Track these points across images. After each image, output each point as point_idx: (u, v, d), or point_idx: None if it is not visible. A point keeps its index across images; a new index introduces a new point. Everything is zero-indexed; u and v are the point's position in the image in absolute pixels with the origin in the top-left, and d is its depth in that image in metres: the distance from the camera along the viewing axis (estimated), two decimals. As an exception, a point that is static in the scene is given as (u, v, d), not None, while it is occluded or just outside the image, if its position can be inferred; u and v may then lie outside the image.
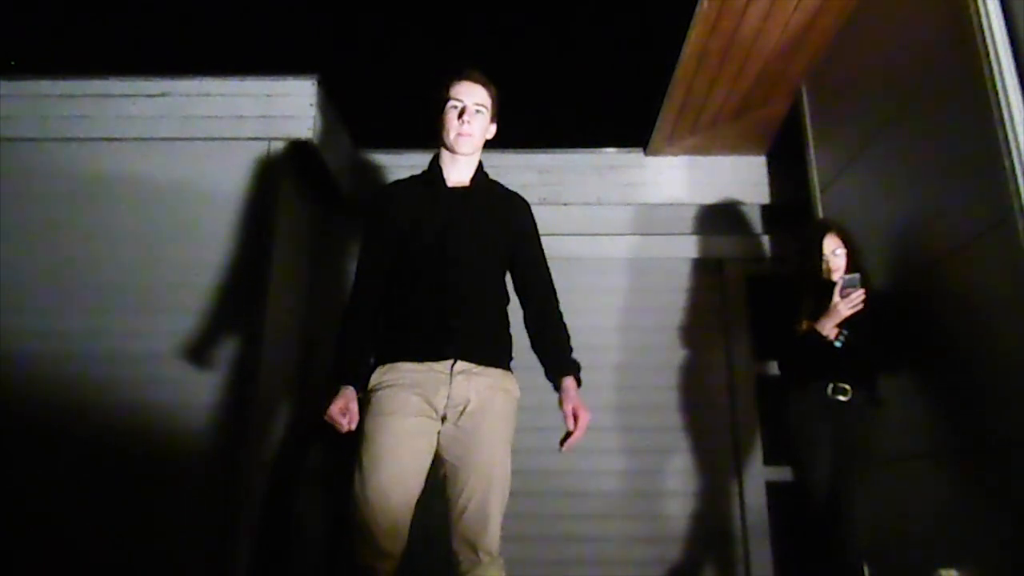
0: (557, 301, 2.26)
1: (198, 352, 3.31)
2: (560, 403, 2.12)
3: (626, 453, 3.92)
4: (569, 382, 2.14)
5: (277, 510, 3.48)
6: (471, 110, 2.17)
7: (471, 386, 2.04)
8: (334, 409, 2.01)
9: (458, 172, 2.23)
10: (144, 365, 3.29)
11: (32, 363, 3.29)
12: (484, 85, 2.21)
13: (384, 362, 2.11)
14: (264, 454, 3.40)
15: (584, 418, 2.08)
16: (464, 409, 2.03)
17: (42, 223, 3.51)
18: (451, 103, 2.18)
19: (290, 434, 3.64)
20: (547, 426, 3.75)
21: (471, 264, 2.14)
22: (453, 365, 2.05)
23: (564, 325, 2.23)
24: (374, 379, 2.09)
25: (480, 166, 2.28)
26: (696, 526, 3.82)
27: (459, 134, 2.17)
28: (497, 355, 2.14)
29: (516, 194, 2.34)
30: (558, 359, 2.18)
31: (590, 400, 4.34)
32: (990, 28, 2.39)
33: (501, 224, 2.24)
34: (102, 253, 3.47)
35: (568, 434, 2.08)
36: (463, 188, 2.23)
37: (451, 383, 2.03)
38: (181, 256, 3.46)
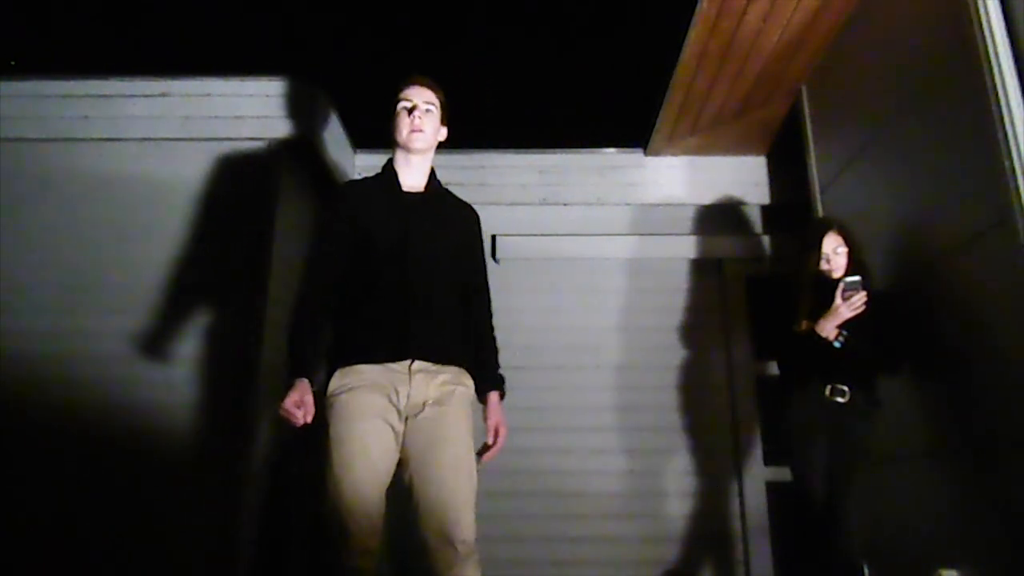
0: (490, 315, 2.35)
1: (198, 352, 3.31)
2: (484, 417, 2.21)
3: (626, 453, 3.92)
4: (494, 396, 2.23)
5: (277, 510, 3.48)
6: (421, 108, 2.25)
7: (430, 384, 2.09)
8: (288, 403, 2.02)
9: (412, 175, 2.29)
10: (143, 365, 3.29)
11: (31, 363, 3.29)
12: (431, 87, 2.30)
13: (342, 365, 2.12)
14: (264, 454, 3.40)
15: (503, 434, 2.18)
16: (424, 406, 2.07)
17: (42, 223, 3.52)
18: (401, 104, 2.27)
19: (290, 434, 3.63)
20: (546, 426, 3.77)
21: (429, 267, 2.19)
22: (411, 365, 2.09)
23: (494, 339, 2.33)
24: (333, 384, 2.11)
25: (433, 171, 2.34)
26: (696, 526, 3.82)
27: (411, 130, 2.24)
28: (455, 354, 2.18)
29: (468, 204, 2.41)
30: (484, 374, 2.26)
31: (590, 400, 4.36)
32: (990, 28, 2.39)
33: (455, 229, 2.31)
34: (101, 253, 3.47)
35: (485, 448, 2.18)
36: (419, 192, 2.29)
37: (410, 382, 2.07)
38: (181, 256, 3.46)
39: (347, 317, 2.19)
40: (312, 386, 2.07)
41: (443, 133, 2.34)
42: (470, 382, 2.19)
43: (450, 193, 2.39)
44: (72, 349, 3.32)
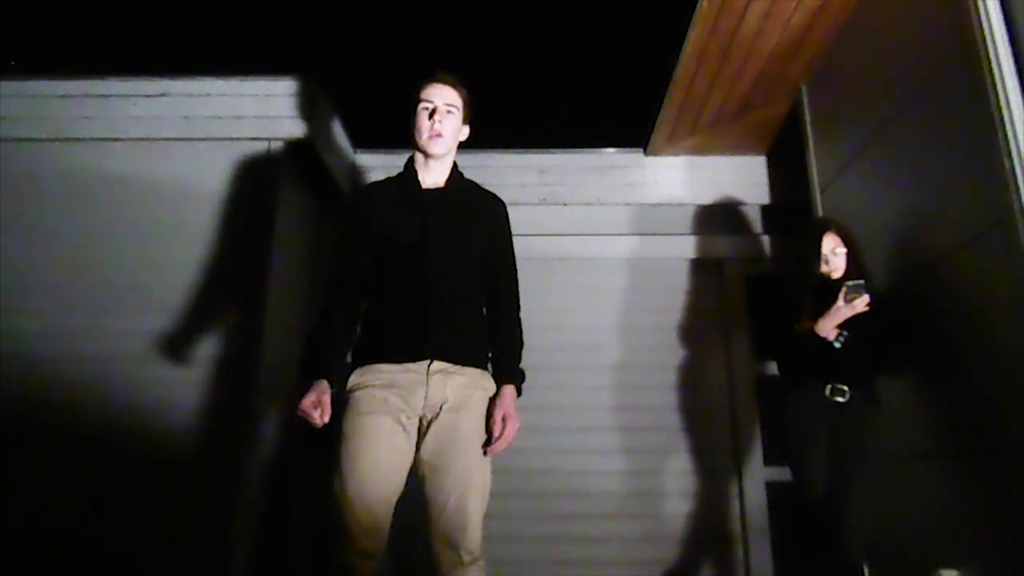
0: (518, 308, 2.26)
1: (197, 352, 3.31)
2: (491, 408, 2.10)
3: (626, 453, 3.92)
4: (508, 389, 2.11)
5: (275, 511, 3.48)
6: (442, 110, 2.18)
7: (448, 385, 2.05)
8: (306, 403, 2.00)
9: (432, 174, 2.25)
10: (143, 365, 3.29)
11: (30, 363, 3.29)
12: (454, 86, 2.22)
13: (362, 363, 2.11)
14: (263, 455, 3.40)
15: (511, 427, 2.04)
16: (441, 408, 2.04)
17: (42, 223, 3.51)
18: (422, 105, 2.19)
19: (289, 434, 3.64)
20: (547, 426, 3.76)
21: (448, 265, 2.15)
22: (430, 365, 2.06)
23: (519, 334, 2.22)
24: (352, 380, 2.10)
25: (455, 167, 2.29)
26: (696, 526, 3.82)
27: (431, 135, 2.18)
28: (474, 354, 2.14)
29: (493, 195, 2.34)
30: (503, 365, 2.16)
31: (590, 400, 4.35)
32: (990, 28, 2.39)
33: (477, 224, 2.24)
34: (101, 253, 3.47)
35: (489, 440, 2.05)
36: (439, 189, 2.24)
37: (428, 383, 2.04)
38: (181, 256, 3.46)
39: (369, 316, 2.17)
40: (332, 387, 2.06)
41: (465, 132, 2.28)
42: (490, 385, 2.14)
43: (475, 185, 2.32)
44: (71, 349, 3.31)
